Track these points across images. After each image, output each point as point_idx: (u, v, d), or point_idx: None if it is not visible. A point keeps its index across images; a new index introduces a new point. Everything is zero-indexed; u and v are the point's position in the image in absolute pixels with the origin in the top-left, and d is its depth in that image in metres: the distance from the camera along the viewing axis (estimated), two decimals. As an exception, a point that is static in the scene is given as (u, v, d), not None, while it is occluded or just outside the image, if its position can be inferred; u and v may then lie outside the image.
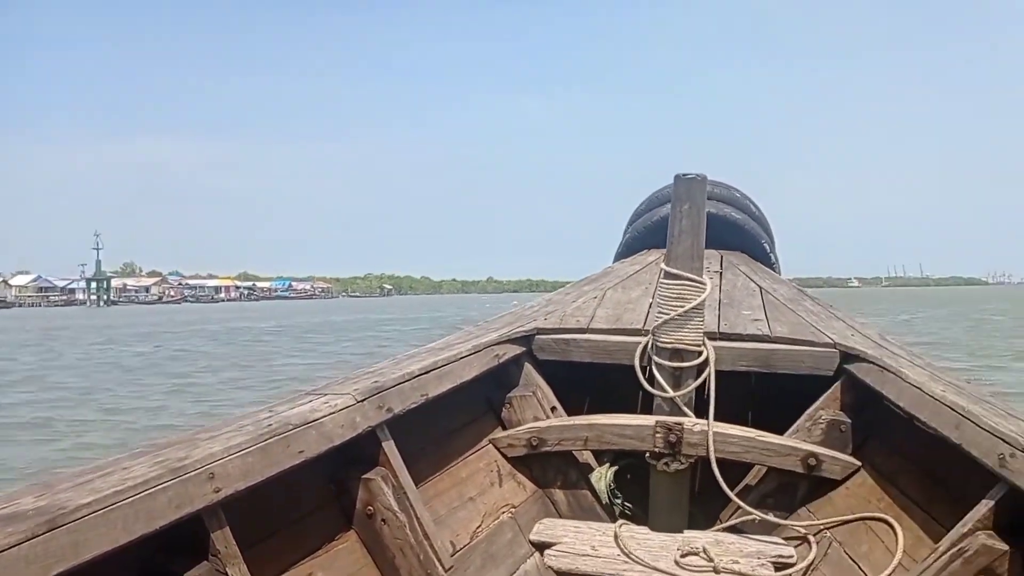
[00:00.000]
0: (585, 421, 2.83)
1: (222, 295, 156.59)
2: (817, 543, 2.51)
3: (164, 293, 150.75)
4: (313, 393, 2.26)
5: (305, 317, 57.23)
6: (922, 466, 2.44)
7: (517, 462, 2.90)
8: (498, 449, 2.91)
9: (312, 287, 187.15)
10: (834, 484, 2.61)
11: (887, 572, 2.24)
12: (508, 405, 2.99)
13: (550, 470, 2.91)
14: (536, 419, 2.94)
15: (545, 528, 2.68)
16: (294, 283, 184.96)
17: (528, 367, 3.06)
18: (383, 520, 2.16)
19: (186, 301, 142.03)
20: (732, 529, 2.64)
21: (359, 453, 2.20)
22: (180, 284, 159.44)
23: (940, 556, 2.00)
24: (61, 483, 1.45)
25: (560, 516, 2.86)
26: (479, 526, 2.62)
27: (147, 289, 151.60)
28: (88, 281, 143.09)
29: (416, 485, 2.33)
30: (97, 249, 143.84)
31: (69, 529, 1.30)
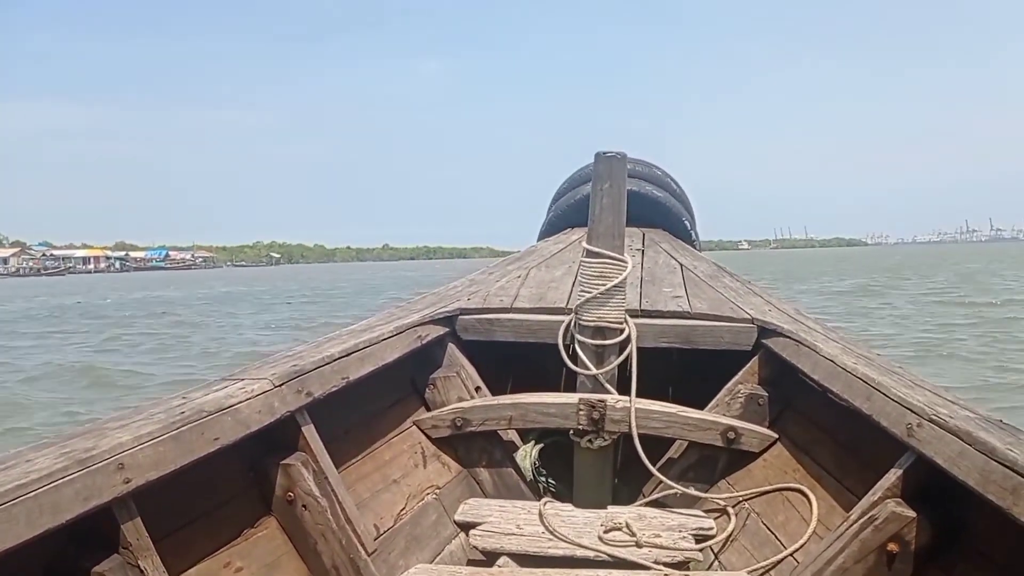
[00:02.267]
0: (509, 400, 2.88)
1: (90, 266, 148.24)
2: (736, 515, 2.63)
3: (22, 265, 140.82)
4: (229, 379, 2.22)
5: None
6: (835, 437, 2.56)
7: (442, 443, 2.93)
8: (422, 431, 2.92)
9: (192, 256, 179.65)
10: (752, 456, 2.74)
11: (802, 541, 2.35)
12: (432, 386, 3.00)
13: (475, 450, 2.94)
14: (460, 399, 2.96)
15: (470, 508, 2.71)
16: (173, 252, 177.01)
17: (452, 347, 3.07)
18: (304, 506, 2.15)
19: (48, 274, 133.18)
20: (655, 503, 2.75)
21: (278, 439, 2.19)
22: (44, 255, 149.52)
23: (852, 524, 2.10)
24: None
25: (485, 496, 2.91)
26: (403, 508, 2.64)
27: (5, 261, 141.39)
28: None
29: (338, 469, 2.35)
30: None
31: None
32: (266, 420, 2.06)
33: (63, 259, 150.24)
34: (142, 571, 1.63)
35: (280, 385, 2.17)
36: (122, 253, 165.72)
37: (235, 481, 2.12)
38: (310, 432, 2.26)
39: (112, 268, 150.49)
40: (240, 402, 2.00)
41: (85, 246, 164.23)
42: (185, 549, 1.87)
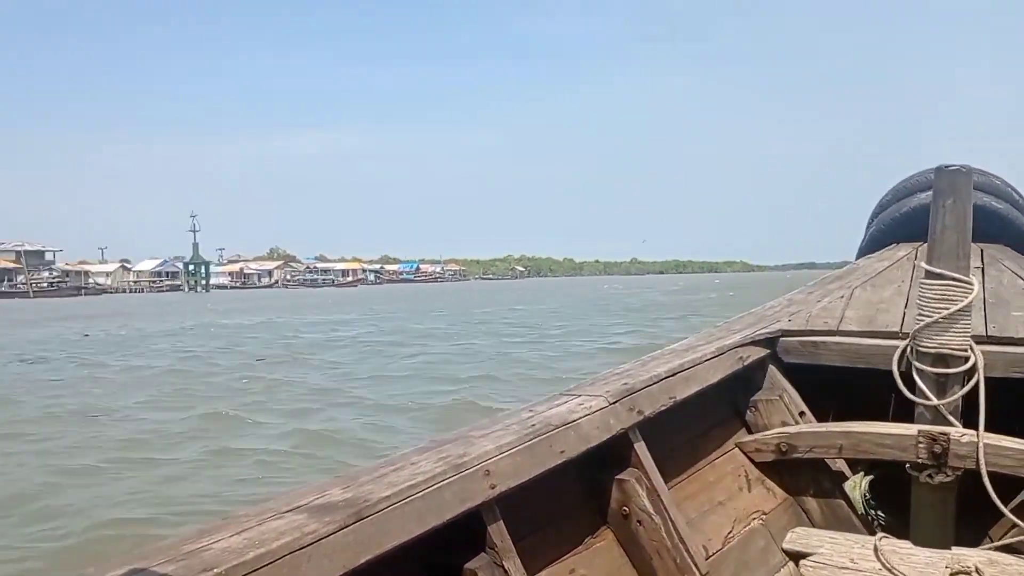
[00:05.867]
0: (839, 428, 2.89)
1: (349, 278, 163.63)
2: None
3: (283, 278, 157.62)
4: (567, 394, 2.46)
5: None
6: None
7: (765, 468, 3.01)
8: (745, 453, 3.03)
9: (442, 270, 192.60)
10: None
11: None
12: (753, 408, 3.12)
13: (801, 477, 3.00)
14: (784, 424, 3.04)
15: (799, 537, 2.75)
16: (424, 266, 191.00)
17: (772, 369, 3.17)
18: (638, 521, 2.32)
19: (304, 286, 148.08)
20: (1007, 549, 2.64)
21: (612, 454, 2.37)
22: (308, 268, 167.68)
23: None
24: (361, 476, 1.69)
25: (813, 525, 2.95)
26: (730, 532, 2.76)
27: (270, 273, 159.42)
28: (186, 265, 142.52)
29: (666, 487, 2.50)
30: (194, 231, 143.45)
31: (374, 520, 1.51)
32: (603, 436, 2.27)
33: (324, 271, 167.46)
34: (506, 571, 1.85)
35: (614, 403, 2.37)
36: (377, 266, 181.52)
37: (575, 493, 2.33)
38: (641, 449, 2.42)
39: (367, 280, 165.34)
40: (581, 417, 2.22)
41: (356, 259, 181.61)
42: (537, 553, 2.09)
